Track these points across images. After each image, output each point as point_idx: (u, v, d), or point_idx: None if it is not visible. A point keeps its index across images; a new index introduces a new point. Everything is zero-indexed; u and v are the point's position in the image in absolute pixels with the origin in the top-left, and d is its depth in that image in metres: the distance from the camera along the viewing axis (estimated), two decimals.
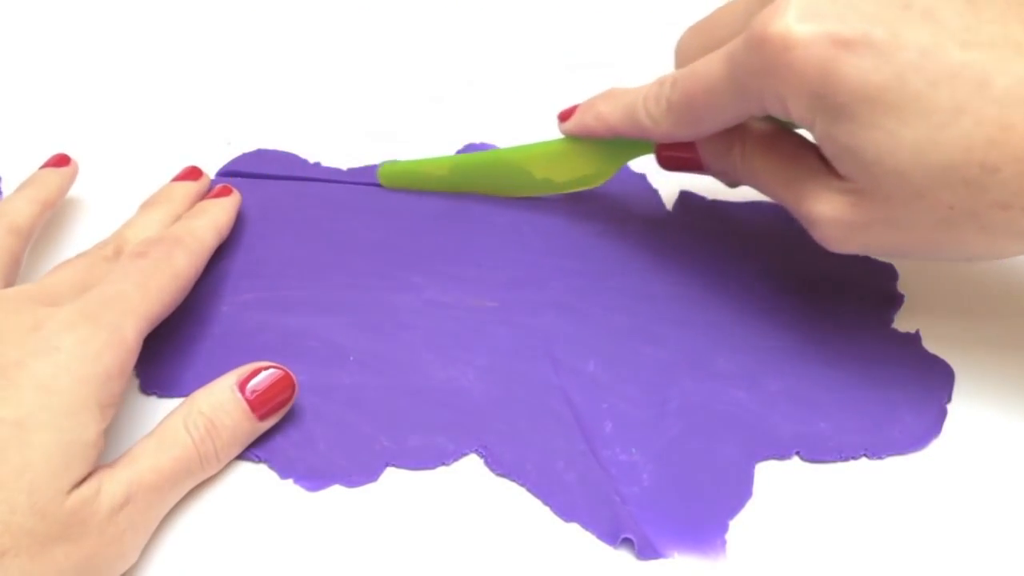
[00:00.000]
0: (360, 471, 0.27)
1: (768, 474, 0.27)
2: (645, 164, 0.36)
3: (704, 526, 0.26)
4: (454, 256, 0.33)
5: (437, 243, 0.33)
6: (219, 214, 0.32)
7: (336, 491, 0.27)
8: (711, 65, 0.25)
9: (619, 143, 0.31)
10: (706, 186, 0.35)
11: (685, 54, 0.29)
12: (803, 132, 0.26)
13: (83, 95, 0.40)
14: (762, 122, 0.28)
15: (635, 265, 0.32)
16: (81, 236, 0.34)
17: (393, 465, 0.27)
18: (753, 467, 0.27)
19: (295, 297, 0.32)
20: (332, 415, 0.28)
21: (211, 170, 0.36)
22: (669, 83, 0.27)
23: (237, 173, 0.36)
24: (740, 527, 0.26)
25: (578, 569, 0.25)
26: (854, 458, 0.27)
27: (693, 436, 0.28)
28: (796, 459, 0.27)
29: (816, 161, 0.26)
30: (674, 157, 0.30)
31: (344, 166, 0.36)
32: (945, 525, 0.26)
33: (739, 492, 0.27)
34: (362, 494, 0.27)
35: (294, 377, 0.28)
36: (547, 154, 0.33)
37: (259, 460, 0.27)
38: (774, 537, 0.26)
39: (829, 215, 0.25)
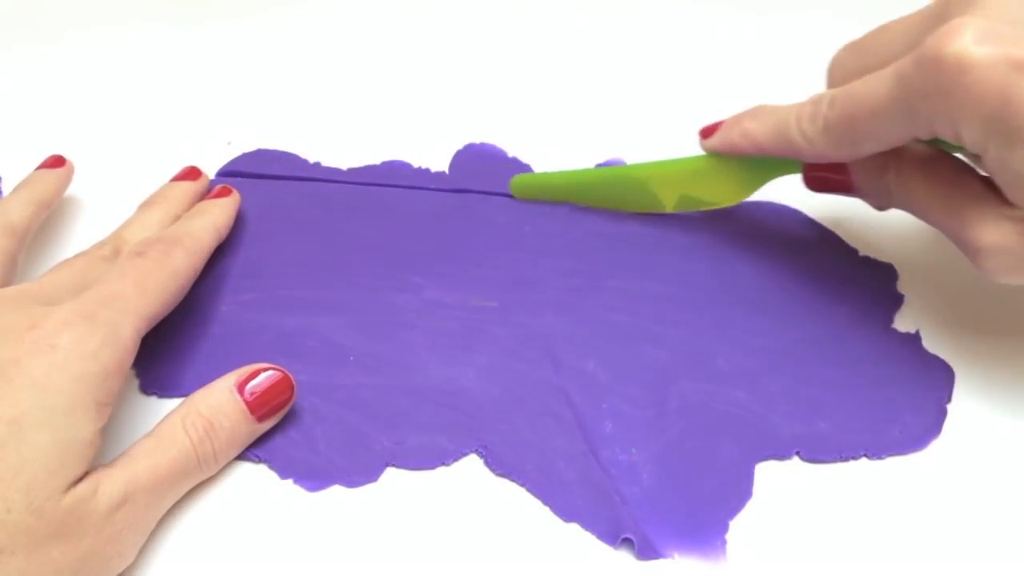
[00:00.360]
0: (360, 471, 0.27)
1: (768, 474, 0.27)
2: None
3: (704, 526, 0.26)
4: (454, 256, 0.33)
5: (437, 243, 0.33)
6: (218, 214, 0.32)
7: (336, 491, 0.27)
8: (877, 84, 0.24)
9: (763, 162, 0.30)
10: None
11: (841, 73, 0.28)
12: (962, 157, 0.27)
13: (83, 95, 0.40)
14: (920, 144, 0.27)
15: (635, 265, 0.32)
16: (80, 236, 0.34)
17: (393, 465, 0.27)
18: (753, 467, 0.27)
19: (295, 297, 0.32)
20: (332, 415, 0.28)
21: (211, 170, 0.36)
22: (827, 101, 0.26)
23: (237, 173, 0.36)
24: (740, 527, 0.26)
25: (578, 569, 0.25)
26: (854, 458, 0.27)
27: (693, 436, 0.28)
28: (796, 459, 0.27)
29: (981, 187, 0.25)
30: (824, 178, 0.29)
31: (344, 166, 0.36)
32: (945, 525, 0.26)
33: (739, 492, 0.27)
34: (362, 494, 0.27)
35: (293, 379, 0.28)
36: (684, 172, 0.32)
37: (259, 460, 0.27)
38: (774, 537, 0.26)
39: (998, 244, 0.24)
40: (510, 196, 0.35)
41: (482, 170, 0.36)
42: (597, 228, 0.34)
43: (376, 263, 0.33)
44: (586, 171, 0.35)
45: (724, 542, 0.26)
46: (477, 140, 0.37)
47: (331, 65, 0.41)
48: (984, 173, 0.26)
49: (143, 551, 0.25)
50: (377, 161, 0.36)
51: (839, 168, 0.29)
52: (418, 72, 0.41)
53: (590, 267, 0.32)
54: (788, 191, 0.34)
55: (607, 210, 0.34)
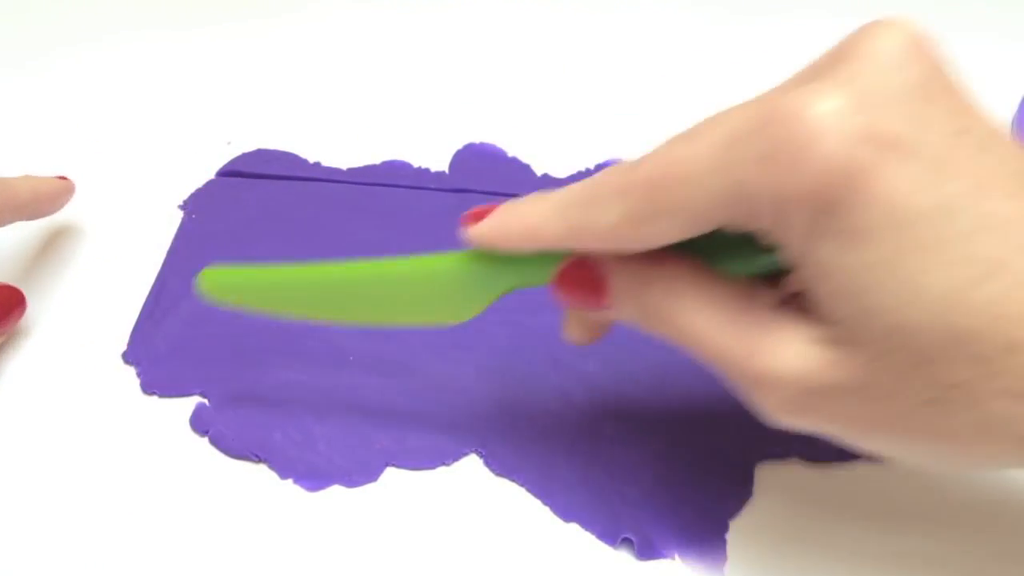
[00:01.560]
0: (360, 471, 0.27)
1: (768, 474, 0.27)
2: None
3: (704, 526, 0.26)
4: None
5: (437, 243, 0.33)
6: (41, 181, 0.32)
7: (336, 491, 0.27)
8: (698, 144, 0.19)
9: (513, 263, 0.24)
10: None
11: None
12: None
13: (83, 95, 0.40)
14: (692, 258, 0.21)
15: None
16: (80, 234, 0.34)
17: (393, 465, 0.27)
18: (753, 467, 0.27)
19: None
20: (332, 415, 0.28)
21: (211, 170, 0.36)
22: (631, 163, 0.20)
23: (237, 173, 0.36)
24: (740, 527, 0.26)
25: (578, 569, 0.25)
26: (854, 458, 0.27)
27: (693, 436, 0.28)
28: (796, 460, 0.27)
29: (771, 301, 0.20)
30: (571, 293, 0.23)
31: (344, 166, 0.36)
32: (945, 525, 0.26)
33: (739, 492, 0.27)
34: (362, 494, 0.27)
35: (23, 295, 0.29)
36: (414, 274, 0.25)
37: (259, 460, 0.27)
38: (774, 537, 0.26)
39: (794, 372, 0.19)
40: (510, 196, 0.35)
41: (482, 170, 0.36)
42: None
43: None
44: (300, 269, 0.26)
45: (724, 542, 0.26)
46: (477, 140, 0.37)
47: (331, 65, 0.41)
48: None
49: (144, 551, 0.25)
50: (377, 161, 0.36)
51: (594, 279, 0.22)
52: (418, 72, 0.41)
53: None
54: None
55: None
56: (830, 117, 0.17)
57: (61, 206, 0.33)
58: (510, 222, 0.23)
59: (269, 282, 0.26)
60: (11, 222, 0.30)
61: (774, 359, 0.19)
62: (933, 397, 0.18)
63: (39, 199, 0.31)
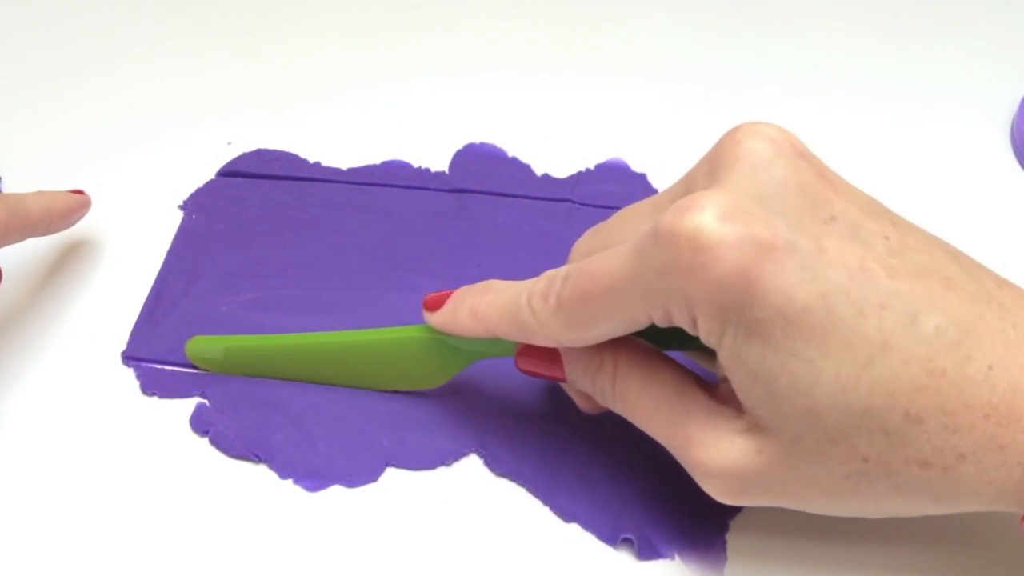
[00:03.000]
0: (360, 471, 0.27)
1: None
2: (645, 163, 0.36)
3: (704, 526, 0.26)
4: (454, 256, 0.33)
5: (437, 243, 0.33)
6: (54, 197, 0.31)
7: (336, 491, 0.27)
8: (613, 260, 0.21)
9: (478, 341, 0.26)
10: None
11: (582, 253, 0.25)
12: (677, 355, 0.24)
13: (83, 94, 0.40)
14: (641, 341, 0.24)
15: None
16: (80, 235, 0.34)
17: (393, 465, 0.27)
18: None
19: (295, 297, 0.32)
20: (332, 415, 0.28)
21: (211, 170, 0.36)
22: (560, 278, 0.22)
23: (237, 173, 0.36)
24: (740, 527, 0.26)
25: (578, 569, 0.25)
26: None
27: None
28: None
29: (703, 396, 0.22)
30: (532, 370, 0.25)
31: (344, 166, 0.36)
32: (945, 524, 0.26)
33: None
34: (362, 494, 0.27)
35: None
36: (389, 345, 0.28)
37: (259, 460, 0.27)
38: (774, 537, 0.26)
39: (726, 463, 0.21)
40: (510, 196, 0.35)
41: (482, 170, 0.36)
42: None
43: (376, 263, 0.33)
44: (278, 338, 0.29)
45: (724, 542, 0.26)
46: (477, 140, 0.37)
47: (331, 65, 0.41)
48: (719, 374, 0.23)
49: (143, 551, 0.25)
50: (377, 161, 0.36)
51: (552, 358, 0.25)
52: (418, 72, 0.41)
53: None
54: None
55: (608, 210, 0.34)
56: (710, 228, 0.19)
57: (75, 222, 0.32)
58: (462, 315, 0.25)
59: (251, 350, 0.29)
60: (23, 239, 0.29)
61: (708, 452, 0.21)
62: (851, 471, 0.20)
63: (52, 216, 0.30)
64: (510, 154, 0.37)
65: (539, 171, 0.36)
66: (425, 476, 0.27)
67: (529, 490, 0.27)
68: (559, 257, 0.33)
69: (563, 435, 0.28)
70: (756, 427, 0.21)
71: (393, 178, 0.36)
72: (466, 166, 0.36)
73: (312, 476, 0.27)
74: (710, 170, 0.21)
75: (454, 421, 0.28)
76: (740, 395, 0.21)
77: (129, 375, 0.30)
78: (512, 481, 0.27)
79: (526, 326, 0.23)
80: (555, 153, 0.36)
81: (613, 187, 0.35)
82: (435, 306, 0.26)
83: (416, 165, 0.36)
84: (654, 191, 0.35)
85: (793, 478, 0.21)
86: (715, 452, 0.21)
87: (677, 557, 0.25)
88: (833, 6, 0.43)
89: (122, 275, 0.33)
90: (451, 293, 0.26)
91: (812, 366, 0.19)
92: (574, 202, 0.35)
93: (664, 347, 0.24)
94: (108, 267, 0.33)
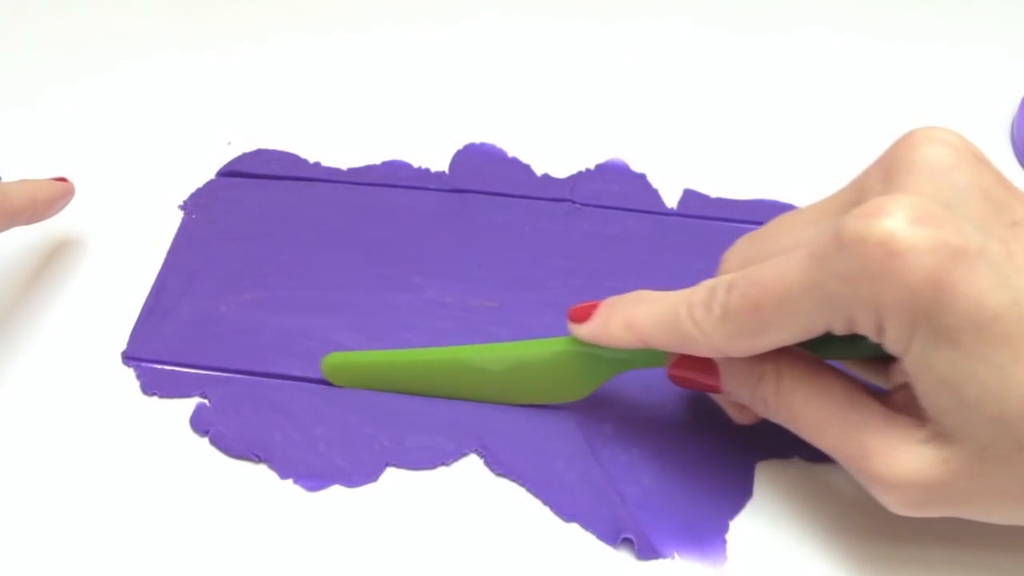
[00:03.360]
0: (360, 471, 0.27)
1: (768, 474, 0.27)
2: (645, 163, 0.36)
3: (704, 526, 0.26)
4: (454, 256, 0.33)
5: (437, 243, 0.33)
6: (38, 186, 0.31)
7: (336, 491, 0.27)
8: (787, 266, 0.21)
9: (630, 353, 0.26)
10: (708, 185, 0.35)
11: (737, 262, 0.24)
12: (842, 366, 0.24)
13: (83, 94, 0.40)
14: (803, 351, 0.23)
15: (635, 265, 0.32)
16: (78, 232, 0.34)
17: (393, 465, 0.27)
18: (753, 467, 0.27)
19: (295, 297, 0.32)
20: (332, 415, 0.28)
21: (211, 170, 0.36)
22: (724, 287, 0.22)
23: (237, 173, 0.36)
24: (740, 527, 0.26)
25: (578, 569, 0.25)
26: None
27: (693, 436, 0.28)
28: (796, 459, 0.27)
29: (877, 405, 0.22)
30: (689, 380, 0.25)
31: (344, 166, 0.36)
32: (944, 525, 0.26)
33: (739, 492, 0.27)
34: (362, 494, 0.27)
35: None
36: (534, 358, 0.27)
37: (259, 460, 0.27)
38: (774, 537, 0.26)
39: (910, 476, 0.20)
40: (510, 196, 0.35)
41: (482, 170, 0.36)
42: (597, 228, 0.34)
43: (376, 263, 0.33)
44: (415, 353, 0.29)
45: (724, 542, 0.26)
46: (477, 140, 0.37)
47: (331, 65, 0.41)
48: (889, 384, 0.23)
49: (143, 550, 0.25)
50: (377, 161, 0.36)
51: (708, 369, 0.25)
52: (418, 72, 0.41)
53: (590, 267, 0.32)
54: (789, 190, 0.34)
55: (608, 210, 0.34)
56: (902, 233, 0.19)
57: (60, 209, 0.32)
58: (615, 326, 0.25)
59: (390, 365, 0.29)
60: (7, 228, 0.29)
61: (888, 463, 0.21)
62: None
63: (36, 204, 0.30)
64: (510, 154, 0.37)
65: (539, 171, 0.36)
66: (425, 476, 0.27)
67: (529, 490, 0.27)
68: (559, 257, 0.33)
69: (563, 435, 0.28)
70: (941, 436, 0.20)
71: (393, 178, 0.36)
72: (466, 166, 0.36)
73: (312, 476, 0.27)
74: (886, 176, 0.21)
75: (454, 421, 0.28)
76: (925, 403, 0.20)
77: (129, 375, 0.30)
78: (512, 481, 0.27)
79: (688, 336, 0.23)
80: (555, 153, 0.36)
81: (613, 187, 0.35)
82: (582, 317, 0.26)
83: (416, 165, 0.36)
84: (654, 191, 0.35)
85: (980, 488, 0.20)
86: (896, 463, 0.21)
87: (677, 557, 0.25)
88: (833, 6, 0.43)
89: (122, 275, 0.33)
90: (597, 304, 0.26)
91: (1003, 372, 0.19)
92: (574, 202, 0.35)
93: (821, 356, 0.23)
94: (108, 267, 0.33)
